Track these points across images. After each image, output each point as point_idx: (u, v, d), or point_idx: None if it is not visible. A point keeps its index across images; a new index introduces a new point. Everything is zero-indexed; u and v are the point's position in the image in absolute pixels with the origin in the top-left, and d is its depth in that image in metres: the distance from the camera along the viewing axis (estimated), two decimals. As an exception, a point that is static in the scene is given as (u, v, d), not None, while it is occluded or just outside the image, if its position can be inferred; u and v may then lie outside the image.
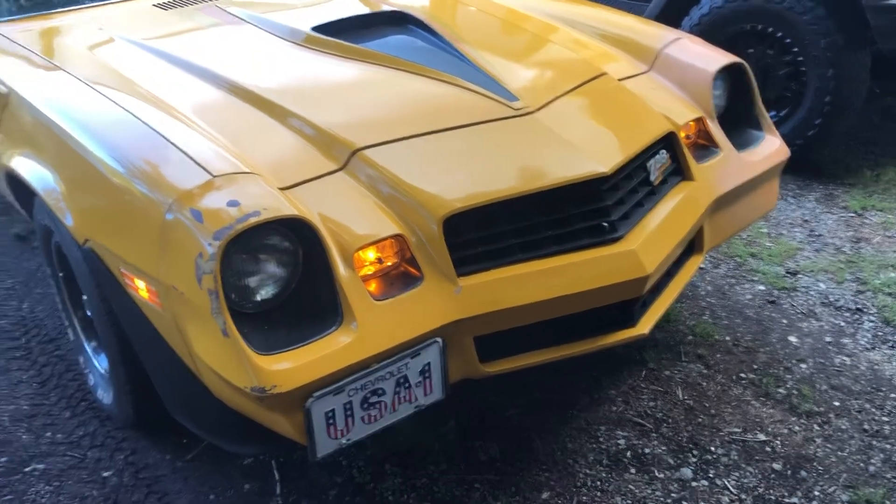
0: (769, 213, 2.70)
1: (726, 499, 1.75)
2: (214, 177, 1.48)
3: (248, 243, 1.41)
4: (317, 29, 2.13)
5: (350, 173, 1.63)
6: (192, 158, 1.52)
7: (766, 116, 2.23)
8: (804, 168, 3.48)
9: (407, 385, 1.50)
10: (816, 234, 2.96)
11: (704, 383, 2.12)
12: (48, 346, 2.42)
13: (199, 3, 2.48)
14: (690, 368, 2.18)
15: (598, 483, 1.80)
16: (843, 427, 1.95)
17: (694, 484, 1.79)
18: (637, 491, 1.78)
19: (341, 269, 1.47)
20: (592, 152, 1.70)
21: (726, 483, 1.79)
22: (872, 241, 2.89)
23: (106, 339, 1.83)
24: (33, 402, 2.16)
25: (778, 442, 1.91)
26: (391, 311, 1.48)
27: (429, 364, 1.51)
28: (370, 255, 1.53)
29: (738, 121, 2.21)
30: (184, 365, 1.53)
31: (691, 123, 2.06)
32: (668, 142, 1.93)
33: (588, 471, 1.84)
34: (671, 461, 1.86)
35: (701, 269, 2.68)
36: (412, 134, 1.70)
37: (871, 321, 2.38)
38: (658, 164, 1.87)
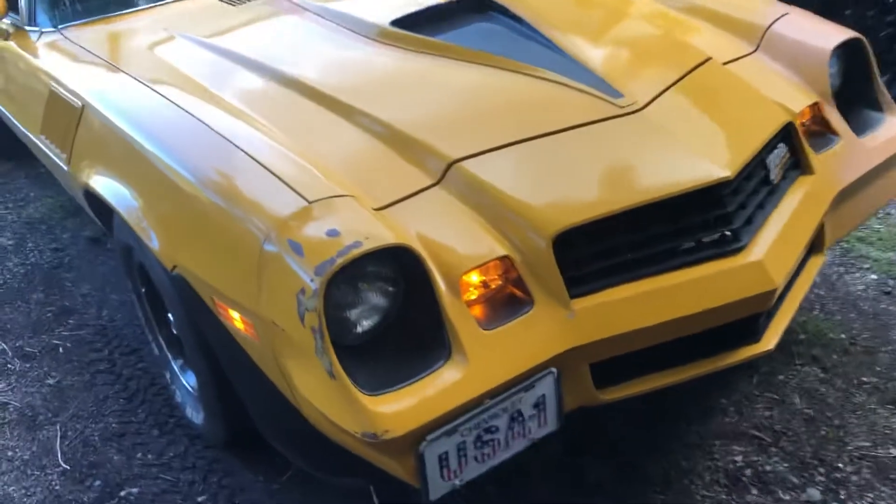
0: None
1: (861, 523, 1.62)
2: (311, 202, 1.38)
3: (348, 274, 1.32)
4: (395, 23, 2.00)
5: (447, 188, 1.51)
6: (285, 182, 1.42)
7: (887, 95, 2.03)
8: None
9: (521, 420, 1.39)
10: (927, 212, 2.75)
11: (823, 389, 1.97)
12: (131, 357, 2.39)
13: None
14: (806, 372, 2.02)
15: (718, 505, 1.69)
16: (984, 437, 1.79)
17: (823, 506, 1.67)
18: (761, 514, 1.66)
19: (446, 296, 1.36)
20: (711, 153, 1.55)
21: (859, 505, 1.66)
22: None
23: (195, 361, 1.77)
24: (122, 420, 2.13)
25: (912, 456, 1.76)
26: (501, 341, 1.37)
27: (543, 396, 1.40)
28: (474, 278, 1.42)
29: (854, 102, 2.02)
30: (282, 396, 1.46)
31: (806, 109, 1.88)
32: (786, 133, 1.76)
33: (706, 492, 1.72)
34: (795, 480, 1.73)
35: (804, 256, 2.50)
36: (511, 141, 1.57)
37: None
38: (777, 160, 1.70)
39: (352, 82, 1.79)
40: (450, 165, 1.53)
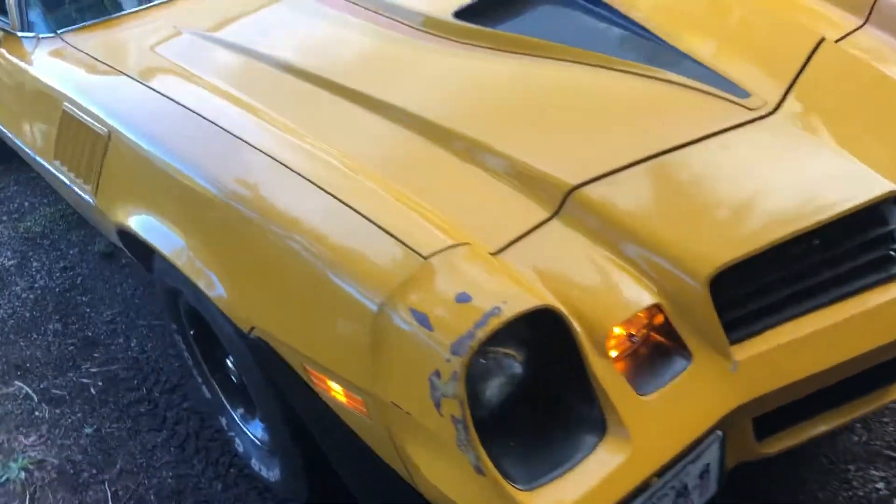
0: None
1: None
2: (426, 258, 1.15)
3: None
4: (459, 14, 1.75)
5: (567, 220, 1.30)
6: (390, 234, 1.20)
7: None
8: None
9: (685, 494, 1.21)
10: None
11: (949, 394, 1.81)
12: (173, 396, 2.17)
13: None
14: (926, 375, 1.86)
15: (865, 541, 1.54)
16: None
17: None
18: (915, 549, 1.51)
19: (594, 358, 1.16)
20: (868, 160, 1.34)
21: None
22: None
23: (274, 425, 1.56)
24: (177, 473, 1.92)
25: None
26: (662, 408, 1.17)
27: (708, 465, 1.22)
28: (616, 331, 1.21)
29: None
30: (392, 471, 1.26)
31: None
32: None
33: (852, 528, 1.57)
34: (947, 505, 1.58)
35: None
36: (637, 159, 1.35)
37: None
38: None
39: (426, 93, 1.55)
40: (569, 193, 1.31)
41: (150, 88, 1.71)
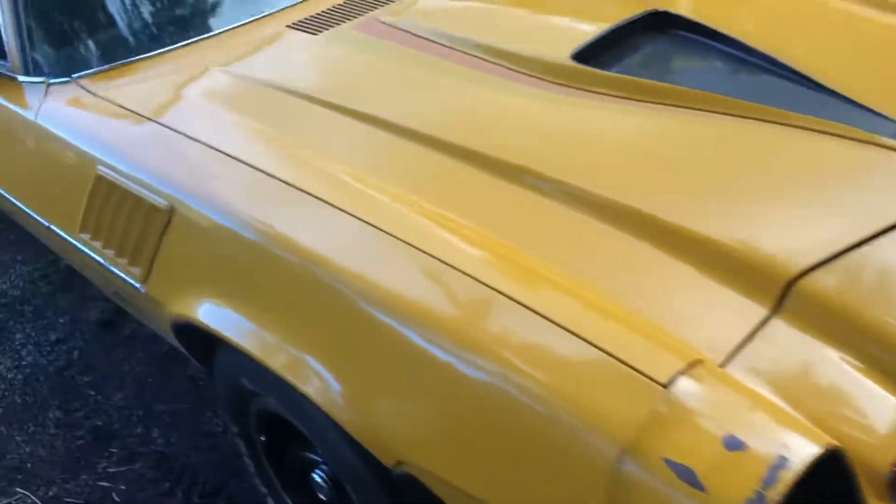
0: None
1: None
2: (666, 386, 0.90)
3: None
4: (578, 57, 1.51)
5: (792, 319, 1.06)
6: (611, 354, 0.93)
7: None
8: None
9: None
10: None
11: None
12: (217, 500, 1.84)
13: (355, 18, 1.81)
14: None
15: None
16: None
17: None
18: None
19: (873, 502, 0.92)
20: None
21: None
22: None
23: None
24: None
25: None
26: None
27: None
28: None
29: None
30: None
31: None
32: None
33: None
34: None
35: None
36: (858, 240, 1.12)
37: None
38: None
39: (568, 153, 1.30)
40: (789, 285, 1.07)
41: (216, 149, 1.41)
